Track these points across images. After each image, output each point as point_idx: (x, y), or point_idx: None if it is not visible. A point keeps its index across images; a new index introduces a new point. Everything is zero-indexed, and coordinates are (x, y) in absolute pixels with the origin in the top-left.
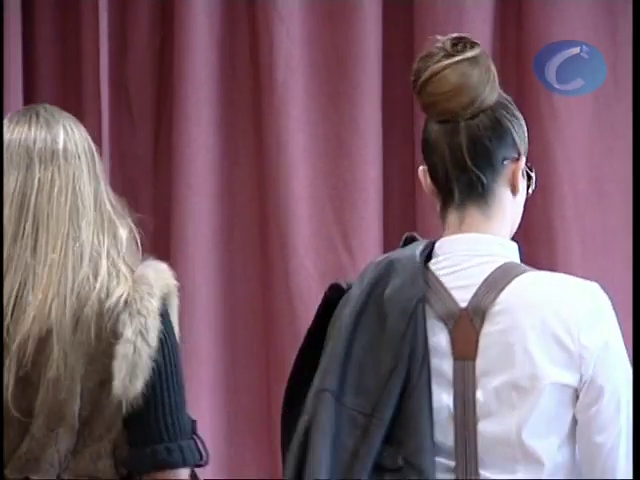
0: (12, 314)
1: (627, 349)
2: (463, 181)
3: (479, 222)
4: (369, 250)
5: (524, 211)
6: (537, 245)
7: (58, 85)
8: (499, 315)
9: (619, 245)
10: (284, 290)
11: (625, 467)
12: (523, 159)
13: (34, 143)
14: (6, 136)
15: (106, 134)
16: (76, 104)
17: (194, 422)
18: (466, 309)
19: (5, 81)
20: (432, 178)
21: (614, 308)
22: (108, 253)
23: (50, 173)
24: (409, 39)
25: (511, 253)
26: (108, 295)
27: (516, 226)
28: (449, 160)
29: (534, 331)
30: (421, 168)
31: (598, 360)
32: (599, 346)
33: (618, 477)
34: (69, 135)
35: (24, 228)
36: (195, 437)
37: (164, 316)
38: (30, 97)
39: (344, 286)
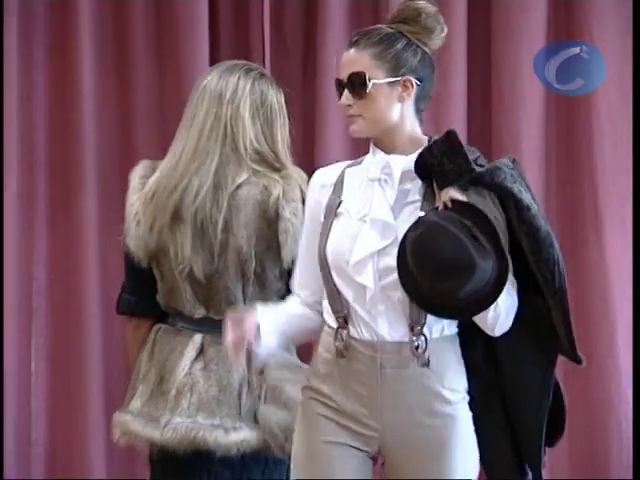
0: (212, 204)
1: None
2: None
3: None
4: None
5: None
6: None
7: (235, 27)
8: None
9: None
10: None
11: None
12: None
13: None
14: (248, 81)
15: (267, 61)
16: (245, 40)
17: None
18: None
19: (197, 26)
20: (422, 92)
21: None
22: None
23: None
24: None
25: None
26: (273, 189)
27: None
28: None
29: None
30: (412, 78)
31: None
32: None
33: None
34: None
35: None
36: None
37: (302, 201)
38: (215, 36)
39: None
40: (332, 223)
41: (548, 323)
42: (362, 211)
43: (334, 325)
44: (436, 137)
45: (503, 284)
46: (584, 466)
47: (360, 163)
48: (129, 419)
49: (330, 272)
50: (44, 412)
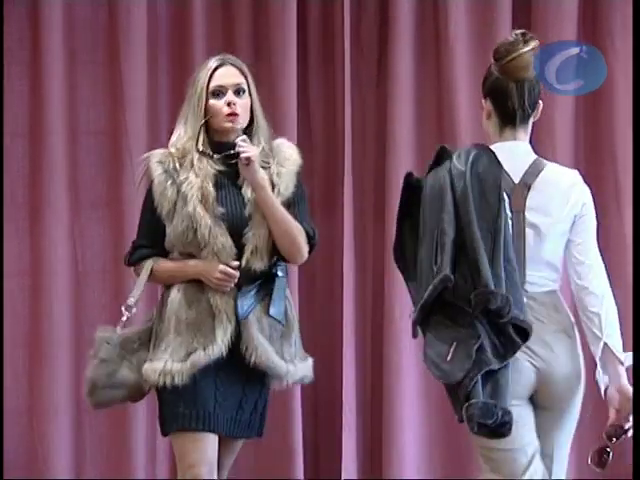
0: None
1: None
2: (521, 113)
3: (523, 136)
4: None
5: None
6: None
7: (322, 39)
8: (537, 188)
9: None
10: None
11: None
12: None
13: None
14: None
15: (347, 66)
16: (330, 49)
17: None
18: (519, 183)
19: (288, 36)
20: (497, 110)
21: None
22: None
23: None
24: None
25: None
26: None
27: None
28: (518, 102)
29: (558, 197)
30: (485, 102)
31: (585, 209)
32: (587, 202)
33: None
34: None
35: None
36: None
37: None
38: (303, 47)
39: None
40: None
41: None
42: None
43: None
44: None
45: None
46: None
47: None
48: None
49: None
50: None
